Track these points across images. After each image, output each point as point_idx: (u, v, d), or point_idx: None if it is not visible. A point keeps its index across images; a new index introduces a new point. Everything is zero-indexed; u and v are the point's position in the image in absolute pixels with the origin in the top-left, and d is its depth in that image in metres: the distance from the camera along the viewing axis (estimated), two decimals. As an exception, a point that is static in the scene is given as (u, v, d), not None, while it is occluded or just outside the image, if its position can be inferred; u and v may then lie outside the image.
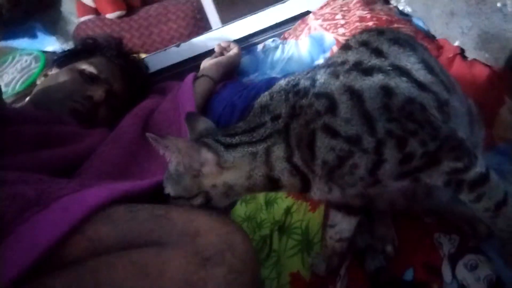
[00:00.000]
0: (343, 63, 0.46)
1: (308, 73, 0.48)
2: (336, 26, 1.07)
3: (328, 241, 0.60)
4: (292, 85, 0.46)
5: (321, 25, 1.11)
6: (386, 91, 0.42)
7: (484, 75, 0.80)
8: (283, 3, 1.27)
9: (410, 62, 0.46)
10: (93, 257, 0.40)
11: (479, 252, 0.55)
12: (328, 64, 0.48)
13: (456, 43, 0.91)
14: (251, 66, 1.23)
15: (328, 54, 1.06)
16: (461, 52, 0.89)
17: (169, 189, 0.49)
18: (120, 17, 1.73)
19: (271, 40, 1.27)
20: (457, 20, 0.87)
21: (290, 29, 1.27)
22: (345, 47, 0.50)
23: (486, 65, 0.81)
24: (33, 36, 2.29)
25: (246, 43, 1.29)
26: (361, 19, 1.03)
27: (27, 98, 1.14)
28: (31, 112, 0.86)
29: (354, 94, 0.42)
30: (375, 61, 0.45)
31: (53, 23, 2.31)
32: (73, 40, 1.84)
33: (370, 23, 1.01)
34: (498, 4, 0.72)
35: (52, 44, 2.29)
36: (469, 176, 0.45)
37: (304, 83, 0.45)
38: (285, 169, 0.45)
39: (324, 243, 0.64)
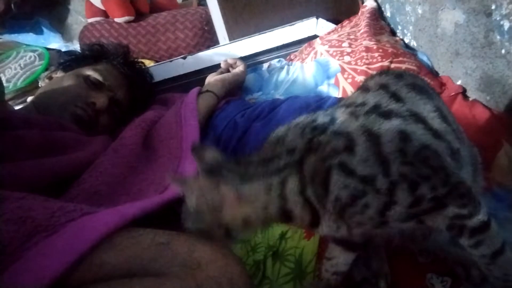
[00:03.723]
0: (363, 104, 0.48)
1: (327, 110, 0.49)
2: (342, 54, 1.09)
3: (323, 273, 0.60)
4: (309, 120, 0.47)
5: (328, 51, 1.13)
6: (403, 136, 0.43)
7: (484, 117, 0.82)
8: (291, 25, 1.29)
9: (426, 109, 0.47)
10: (94, 283, 0.40)
11: (470, 296, 0.56)
12: (346, 104, 0.49)
13: (459, 82, 0.93)
14: (255, 85, 1.24)
15: (332, 81, 1.07)
16: (463, 92, 0.90)
17: (189, 224, 0.48)
18: (128, 22, 1.74)
19: (276, 60, 1.29)
20: (462, 60, 0.89)
21: (296, 51, 1.29)
22: (364, 88, 0.51)
23: (487, 107, 0.83)
24: (39, 32, 2.30)
25: (252, 60, 1.31)
26: (367, 49, 1.05)
27: (29, 98, 1.14)
28: (33, 117, 0.86)
29: (372, 136, 0.43)
30: (393, 106, 0.47)
31: (60, 20, 2.32)
32: (78, 40, 1.84)
33: (376, 54, 1.03)
34: (503, 51, 0.74)
35: (57, 42, 2.30)
36: (471, 223, 0.46)
37: (323, 119, 0.46)
38: (298, 202, 0.45)
39: (317, 274, 0.65)
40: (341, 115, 0.46)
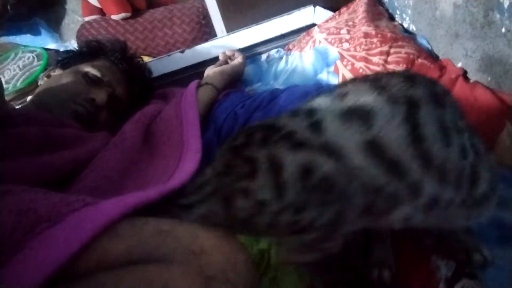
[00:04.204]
0: (279, 129, 0.46)
1: (248, 128, 0.49)
2: (341, 41, 1.08)
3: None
4: (232, 139, 0.48)
5: (326, 39, 1.12)
6: (306, 169, 0.42)
7: (485, 98, 0.81)
8: (288, 14, 1.28)
9: (349, 142, 0.42)
10: (98, 272, 0.40)
11: (475, 277, 0.56)
12: (265, 126, 0.48)
13: (459, 65, 0.92)
14: (254, 76, 1.24)
15: (331, 69, 1.06)
16: (464, 74, 0.90)
17: None
18: (125, 19, 1.73)
19: (275, 50, 1.28)
20: (461, 42, 0.88)
21: (294, 40, 1.28)
22: (293, 112, 0.48)
23: (488, 89, 0.82)
24: (36, 32, 2.29)
25: (250, 52, 1.30)
26: (366, 35, 1.04)
27: (28, 98, 1.15)
28: (33, 114, 0.86)
29: (275, 165, 0.43)
30: (307, 136, 0.44)
31: (56, 20, 2.32)
32: (76, 39, 1.83)
33: (375, 40, 1.02)
34: (503, 30, 0.73)
35: (55, 42, 2.29)
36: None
37: (241, 141, 0.47)
38: (225, 224, 0.46)
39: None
40: (254, 138, 0.46)
